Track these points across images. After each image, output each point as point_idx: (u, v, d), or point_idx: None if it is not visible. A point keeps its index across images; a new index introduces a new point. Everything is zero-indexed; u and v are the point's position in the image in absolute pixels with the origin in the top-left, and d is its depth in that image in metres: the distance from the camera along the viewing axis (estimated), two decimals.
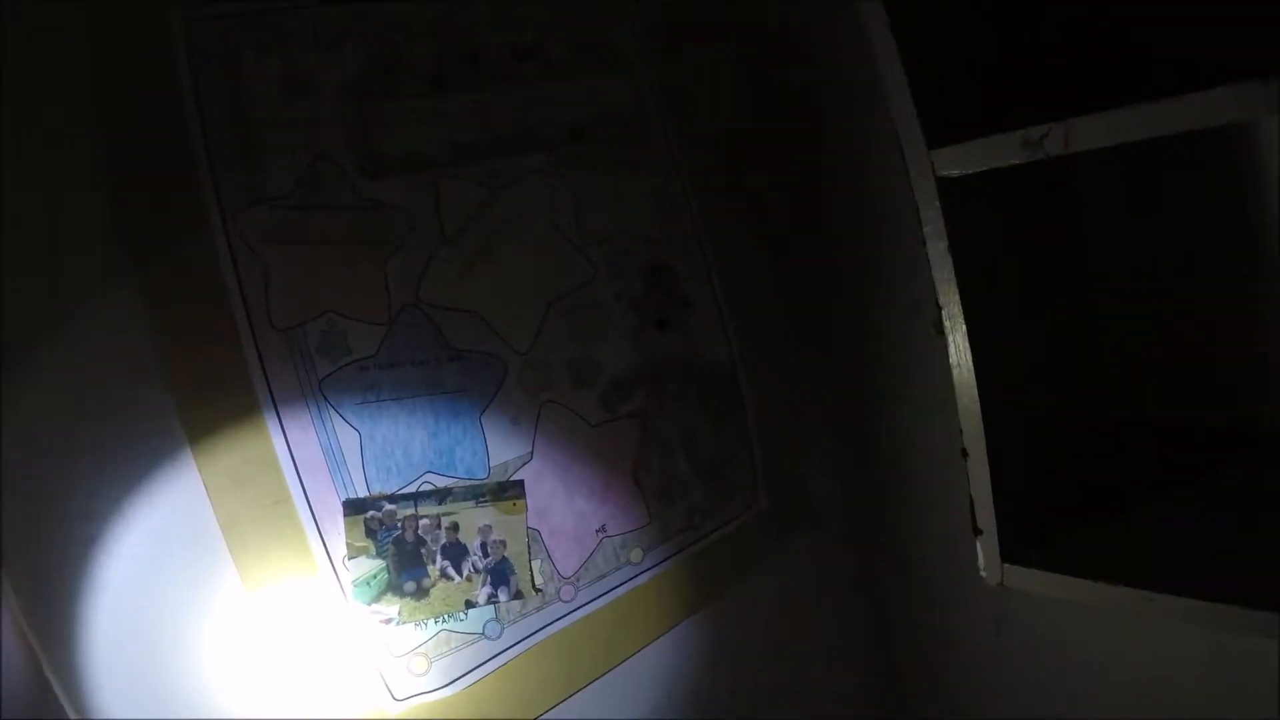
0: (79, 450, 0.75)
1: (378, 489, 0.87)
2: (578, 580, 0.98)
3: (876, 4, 0.77)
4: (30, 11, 0.76)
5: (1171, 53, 0.83)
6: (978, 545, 0.88)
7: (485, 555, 0.92)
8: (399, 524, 0.88)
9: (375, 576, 0.87)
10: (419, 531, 0.89)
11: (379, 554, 0.87)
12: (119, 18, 0.80)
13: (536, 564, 0.95)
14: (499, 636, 0.93)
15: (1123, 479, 0.95)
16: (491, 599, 0.92)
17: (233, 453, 0.81)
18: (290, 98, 0.87)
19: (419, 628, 0.88)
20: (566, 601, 0.97)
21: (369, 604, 0.86)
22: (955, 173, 0.78)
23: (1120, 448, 1.01)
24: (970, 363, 0.82)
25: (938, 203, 0.79)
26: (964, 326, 0.81)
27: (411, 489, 0.89)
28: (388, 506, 0.88)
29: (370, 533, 0.87)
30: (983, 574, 0.88)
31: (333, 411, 0.86)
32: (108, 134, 0.78)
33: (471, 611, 0.91)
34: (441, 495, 0.90)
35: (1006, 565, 0.86)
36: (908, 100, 0.78)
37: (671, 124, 1.13)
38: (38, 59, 0.76)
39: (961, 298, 0.81)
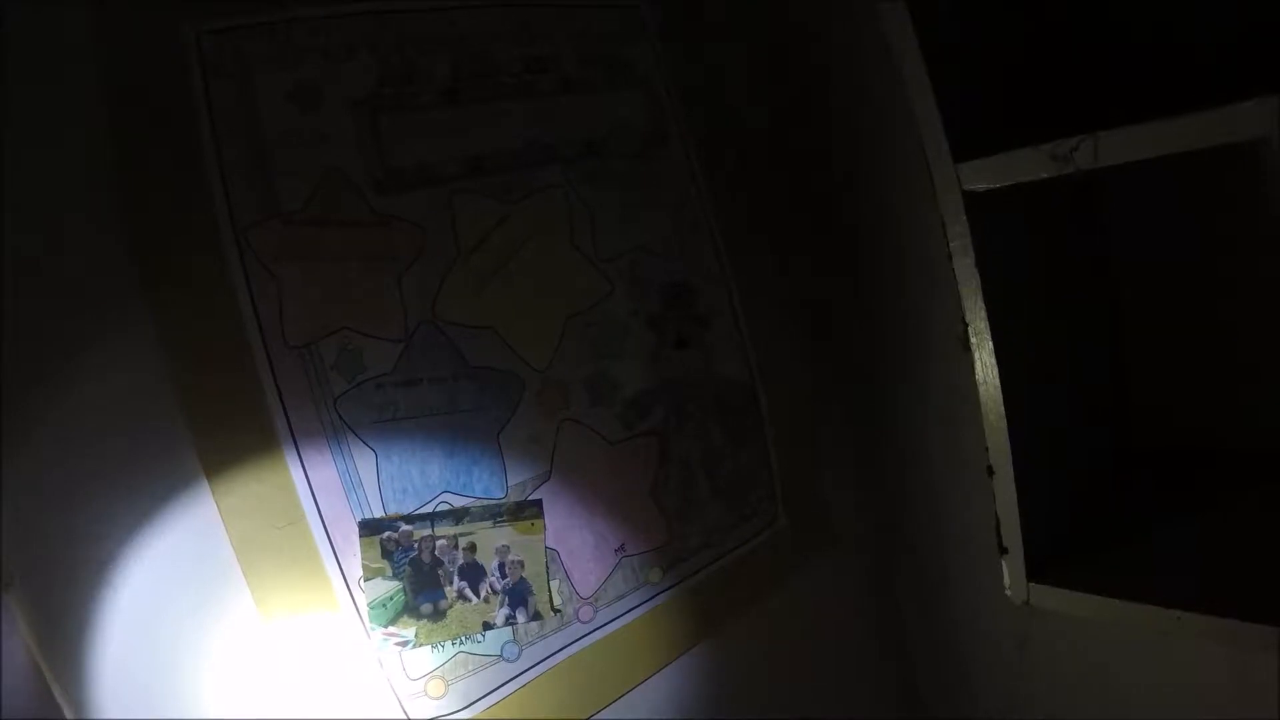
0: (90, 468, 0.73)
1: (394, 509, 0.86)
2: (596, 601, 0.97)
3: (904, 17, 0.76)
4: (39, 28, 0.75)
5: (1201, 63, 0.82)
6: (1003, 564, 0.87)
7: (503, 576, 0.91)
8: (415, 545, 0.86)
9: (391, 598, 0.85)
10: (436, 552, 0.87)
11: (395, 575, 0.85)
12: (129, 31, 0.79)
13: (555, 584, 0.94)
14: (517, 658, 0.91)
15: (1147, 497, 0.95)
16: (509, 620, 0.91)
17: (246, 472, 0.79)
18: (303, 111, 0.86)
19: (436, 650, 0.87)
20: (585, 622, 0.96)
21: (385, 626, 0.84)
22: (982, 186, 0.77)
23: (1144, 465, 1.00)
24: (997, 379, 0.81)
25: (964, 217, 0.79)
26: (990, 343, 0.81)
27: (428, 509, 0.87)
28: (404, 527, 0.86)
29: (386, 553, 0.85)
30: (1008, 593, 0.88)
31: (348, 430, 0.84)
32: (119, 148, 0.77)
33: (489, 633, 0.90)
34: (459, 515, 0.89)
35: (1032, 584, 0.86)
36: (934, 112, 0.77)
37: (689, 139, 1.11)
38: (47, 76, 0.75)
39: (988, 313, 0.80)
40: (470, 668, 0.88)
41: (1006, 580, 0.87)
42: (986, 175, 0.76)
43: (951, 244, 0.80)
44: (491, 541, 0.90)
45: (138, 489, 0.75)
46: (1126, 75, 0.89)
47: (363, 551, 0.84)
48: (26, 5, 0.74)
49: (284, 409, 0.81)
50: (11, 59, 0.73)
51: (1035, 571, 0.85)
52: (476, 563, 0.89)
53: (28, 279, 0.72)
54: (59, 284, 0.74)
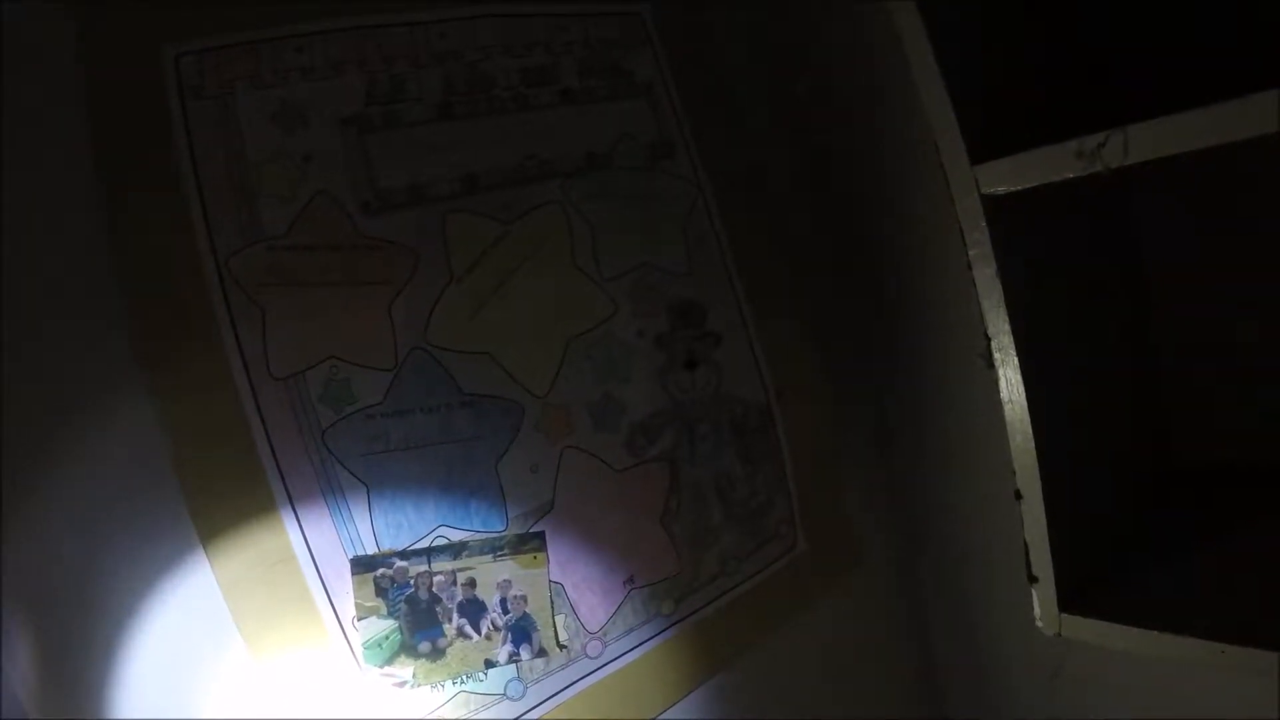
0: (74, 508, 0.72)
1: (388, 545, 0.83)
2: (605, 635, 0.93)
3: (910, 6, 0.71)
4: (18, 54, 0.74)
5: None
6: (1033, 593, 0.82)
7: (505, 611, 0.87)
8: (411, 581, 0.83)
9: (387, 637, 0.82)
10: (433, 588, 0.84)
11: (391, 614, 0.82)
12: (108, 52, 0.78)
13: (560, 619, 0.90)
14: (522, 696, 0.87)
15: (1185, 522, 0.89)
16: (513, 657, 0.87)
17: (232, 511, 0.77)
18: (287, 131, 0.83)
19: (436, 690, 0.83)
20: (593, 657, 0.92)
21: (381, 667, 0.81)
22: (1002, 189, 0.72)
23: (1181, 484, 0.95)
24: (1023, 398, 0.77)
25: (984, 223, 0.74)
26: (1015, 359, 0.76)
27: (424, 544, 0.84)
28: (399, 563, 0.83)
29: (381, 591, 0.82)
30: (1038, 624, 0.83)
31: (337, 464, 0.81)
32: (96, 174, 0.76)
33: (492, 671, 0.86)
34: (457, 549, 0.85)
35: (1064, 615, 0.81)
36: (948, 110, 0.72)
37: (696, 151, 1.07)
38: (28, 103, 0.74)
39: (1012, 328, 0.75)
40: (472, 708, 0.85)
41: (1037, 611, 0.82)
42: (1007, 177, 0.71)
43: (970, 252, 0.75)
44: (492, 576, 0.87)
45: (121, 528, 0.73)
46: (1134, 78, 0.84)
47: (356, 590, 0.81)
48: (10, 34, 0.73)
49: (269, 443, 0.79)
50: None
51: (1067, 601, 0.80)
52: (477, 598, 0.86)
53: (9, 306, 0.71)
54: (41, 313, 0.73)
